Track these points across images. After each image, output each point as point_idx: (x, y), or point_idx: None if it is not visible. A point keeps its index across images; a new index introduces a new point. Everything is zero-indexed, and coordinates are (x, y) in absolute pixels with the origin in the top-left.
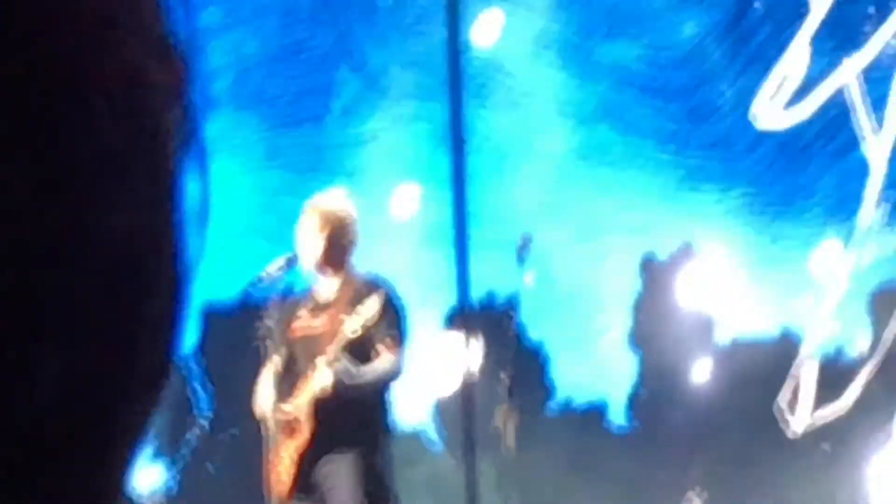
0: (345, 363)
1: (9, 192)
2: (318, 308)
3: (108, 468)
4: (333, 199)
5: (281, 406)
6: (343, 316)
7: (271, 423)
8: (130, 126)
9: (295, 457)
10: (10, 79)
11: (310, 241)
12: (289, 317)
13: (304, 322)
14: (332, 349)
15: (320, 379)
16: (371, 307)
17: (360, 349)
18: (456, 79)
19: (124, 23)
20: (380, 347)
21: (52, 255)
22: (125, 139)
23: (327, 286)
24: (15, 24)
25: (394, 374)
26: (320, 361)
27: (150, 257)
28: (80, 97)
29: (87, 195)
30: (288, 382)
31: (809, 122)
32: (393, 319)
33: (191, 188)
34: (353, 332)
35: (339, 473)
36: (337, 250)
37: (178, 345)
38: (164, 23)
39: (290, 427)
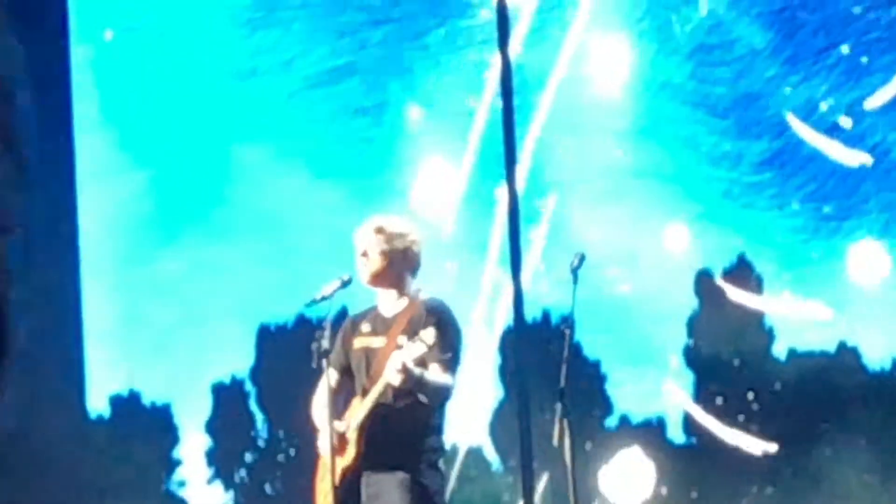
0: (411, 365)
1: None
2: (379, 325)
3: None
4: (395, 218)
5: (334, 422)
6: (402, 337)
7: (324, 439)
8: None
9: (342, 473)
10: None
11: (368, 255)
12: (352, 331)
13: (365, 338)
14: (403, 353)
15: (390, 381)
16: (427, 337)
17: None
18: (508, 99)
19: None
20: (433, 368)
21: None
22: None
23: (389, 304)
24: None
25: (445, 395)
26: (389, 367)
27: None
28: None
29: None
30: (343, 396)
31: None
32: (448, 343)
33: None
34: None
35: (389, 492)
36: (395, 268)
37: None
38: None
39: (340, 443)
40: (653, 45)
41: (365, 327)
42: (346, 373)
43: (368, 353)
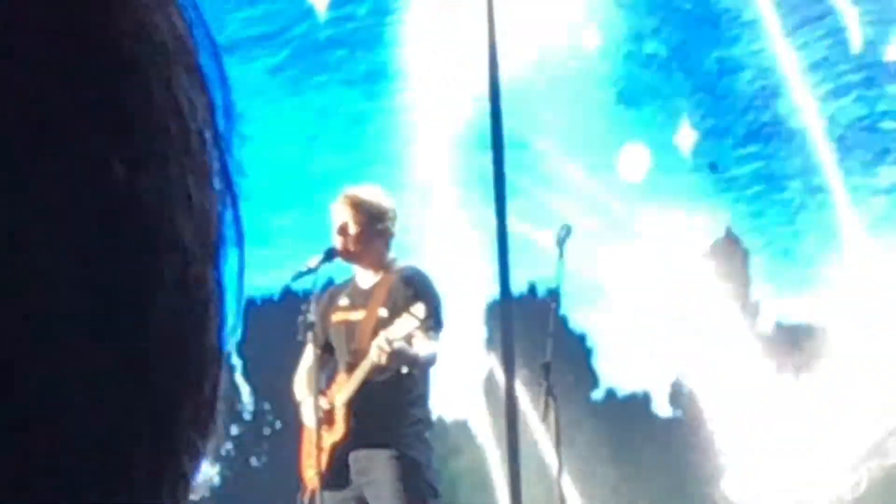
0: (402, 344)
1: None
2: (357, 298)
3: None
4: (368, 190)
5: (318, 397)
6: (382, 309)
7: (307, 413)
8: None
9: (329, 449)
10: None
11: (342, 230)
12: (329, 305)
13: (343, 311)
14: (392, 331)
15: (375, 361)
16: (418, 311)
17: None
18: (495, 80)
19: None
20: (417, 337)
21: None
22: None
23: (366, 276)
24: None
25: (431, 364)
26: (375, 345)
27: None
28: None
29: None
30: (325, 371)
31: None
32: (430, 310)
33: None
34: (396, 337)
35: (378, 468)
36: (371, 240)
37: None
38: None
39: (327, 419)
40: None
41: (343, 301)
42: (327, 347)
43: (348, 326)
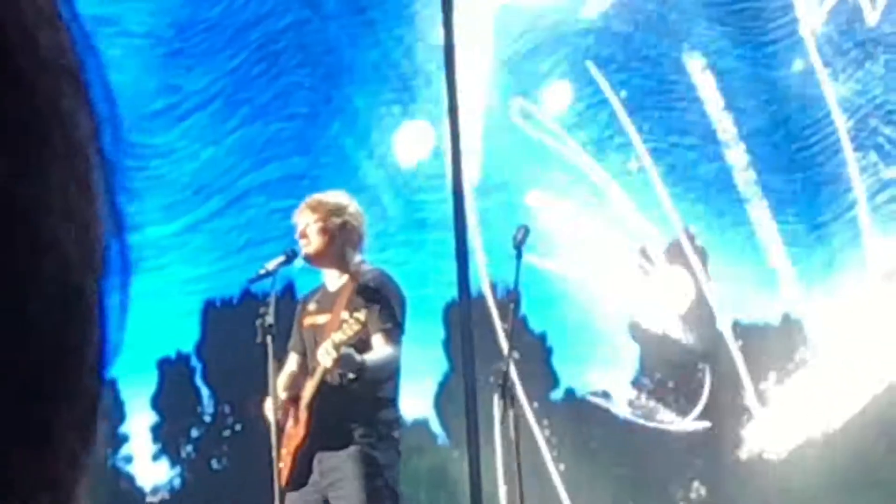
0: (349, 350)
1: None
2: (325, 301)
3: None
4: (331, 194)
5: (278, 399)
6: (344, 313)
7: (276, 416)
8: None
9: (293, 451)
10: None
11: (303, 234)
12: (301, 312)
13: (312, 316)
14: (338, 336)
15: (323, 365)
16: (360, 316)
17: (358, 342)
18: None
19: None
20: (375, 340)
21: None
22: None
23: (333, 280)
24: None
25: (391, 366)
26: (323, 348)
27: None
28: None
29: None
30: (302, 376)
31: None
32: (389, 312)
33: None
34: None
35: (342, 468)
36: (337, 244)
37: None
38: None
39: (291, 419)
40: None
41: (312, 305)
42: (305, 355)
43: (316, 330)
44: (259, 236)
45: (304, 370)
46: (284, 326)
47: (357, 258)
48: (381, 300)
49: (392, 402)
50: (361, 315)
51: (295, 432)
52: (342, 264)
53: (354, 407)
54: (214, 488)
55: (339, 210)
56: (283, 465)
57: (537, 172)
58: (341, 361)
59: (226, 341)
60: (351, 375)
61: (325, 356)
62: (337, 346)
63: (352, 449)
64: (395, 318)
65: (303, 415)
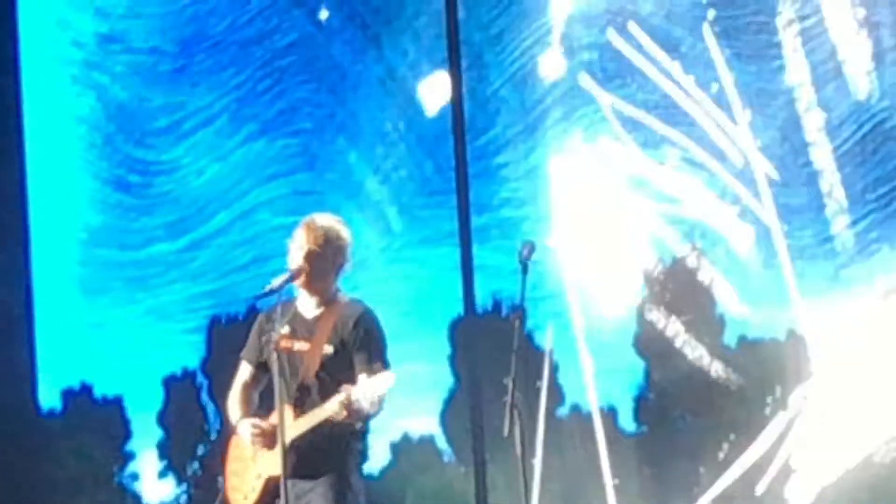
0: (360, 404)
1: None
2: (300, 328)
3: None
4: (325, 218)
5: (256, 420)
6: (328, 346)
7: (245, 435)
8: None
9: (265, 480)
10: None
11: (294, 255)
12: (265, 327)
13: (286, 339)
14: (357, 390)
15: (331, 414)
16: (389, 381)
17: (341, 369)
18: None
19: None
20: (362, 378)
21: None
22: None
23: (309, 305)
24: None
25: (379, 410)
26: (336, 401)
27: None
28: None
29: None
30: (257, 389)
31: None
32: (377, 351)
33: None
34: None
35: (311, 492)
36: (318, 268)
37: None
38: None
39: (265, 444)
40: None
41: (284, 328)
42: (261, 367)
43: (291, 355)
44: (265, 253)
45: (257, 384)
46: None
47: (335, 286)
48: (370, 343)
49: (365, 435)
50: (390, 381)
51: (271, 462)
52: (324, 290)
53: (332, 442)
54: None
55: (328, 235)
56: (249, 490)
57: None
58: (356, 414)
59: (231, 358)
60: (359, 425)
61: (340, 407)
62: (355, 401)
63: (321, 480)
64: (382, 356)
65: (278, 446)
